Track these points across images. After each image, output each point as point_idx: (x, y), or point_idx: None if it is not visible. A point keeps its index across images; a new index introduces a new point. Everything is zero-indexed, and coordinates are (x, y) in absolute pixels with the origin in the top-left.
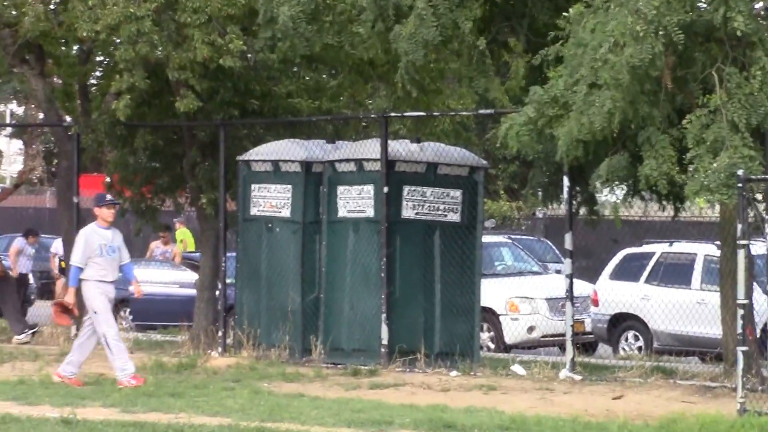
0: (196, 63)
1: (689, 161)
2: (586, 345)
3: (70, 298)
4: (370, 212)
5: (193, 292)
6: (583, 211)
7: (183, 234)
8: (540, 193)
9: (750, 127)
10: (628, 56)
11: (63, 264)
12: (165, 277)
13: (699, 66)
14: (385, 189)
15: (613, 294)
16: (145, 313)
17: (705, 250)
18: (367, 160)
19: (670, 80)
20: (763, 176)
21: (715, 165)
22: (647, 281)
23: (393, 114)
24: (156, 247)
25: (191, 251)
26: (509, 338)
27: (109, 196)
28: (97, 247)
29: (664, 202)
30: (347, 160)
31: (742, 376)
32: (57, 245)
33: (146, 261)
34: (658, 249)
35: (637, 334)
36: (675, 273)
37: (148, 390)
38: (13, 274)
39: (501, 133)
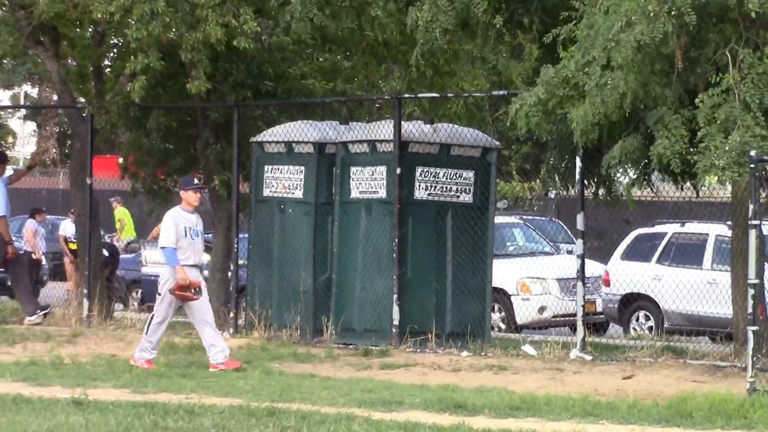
0: (205, 44)
1: (700, 140)
2: (596, 325)
3: (181, 274)
4: (382, 193)
5: (205, 273)
6: (601, 192)
7: (122, 213)
8: (557, 177)
9: (762, 107)
10: (637, 33)
11: (71, 245)
12: None
13: (712, 46)
14: (398, 170)
15: (624, 274)
16: (155, 295)
17: (716, 231)
18: (380, 141)
19: (682, 60)
20: None
21: (727, 145)
22: (659, 261)
23: (407, 95)
24: None
25: (130, 237)
26: (520, 318)
27: (195, 180)
28: (182, 230)
29: (679, 182)
30: (360, 141)
31: (752, 356)
32: (65, 226)
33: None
34: (669, 229)
35: (648, 314)
36: (686, 253)
37: (159, 371)
38: (36, 257)
39: (511, 113)
